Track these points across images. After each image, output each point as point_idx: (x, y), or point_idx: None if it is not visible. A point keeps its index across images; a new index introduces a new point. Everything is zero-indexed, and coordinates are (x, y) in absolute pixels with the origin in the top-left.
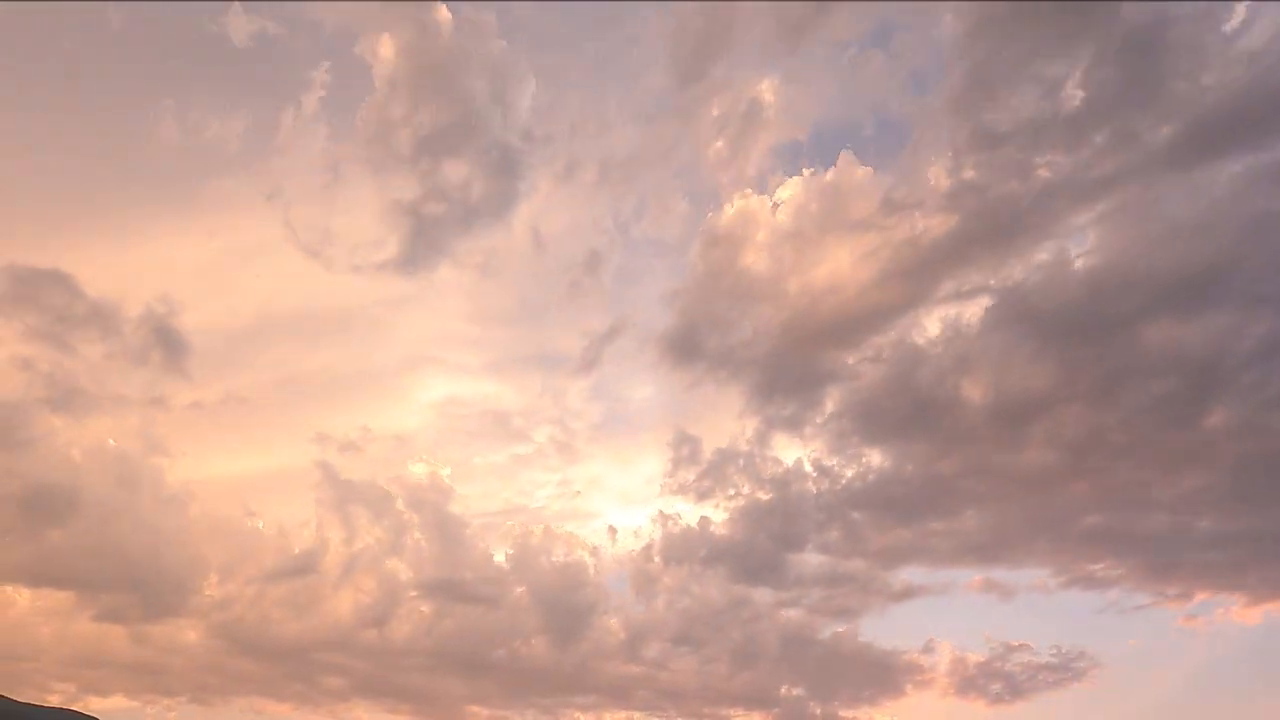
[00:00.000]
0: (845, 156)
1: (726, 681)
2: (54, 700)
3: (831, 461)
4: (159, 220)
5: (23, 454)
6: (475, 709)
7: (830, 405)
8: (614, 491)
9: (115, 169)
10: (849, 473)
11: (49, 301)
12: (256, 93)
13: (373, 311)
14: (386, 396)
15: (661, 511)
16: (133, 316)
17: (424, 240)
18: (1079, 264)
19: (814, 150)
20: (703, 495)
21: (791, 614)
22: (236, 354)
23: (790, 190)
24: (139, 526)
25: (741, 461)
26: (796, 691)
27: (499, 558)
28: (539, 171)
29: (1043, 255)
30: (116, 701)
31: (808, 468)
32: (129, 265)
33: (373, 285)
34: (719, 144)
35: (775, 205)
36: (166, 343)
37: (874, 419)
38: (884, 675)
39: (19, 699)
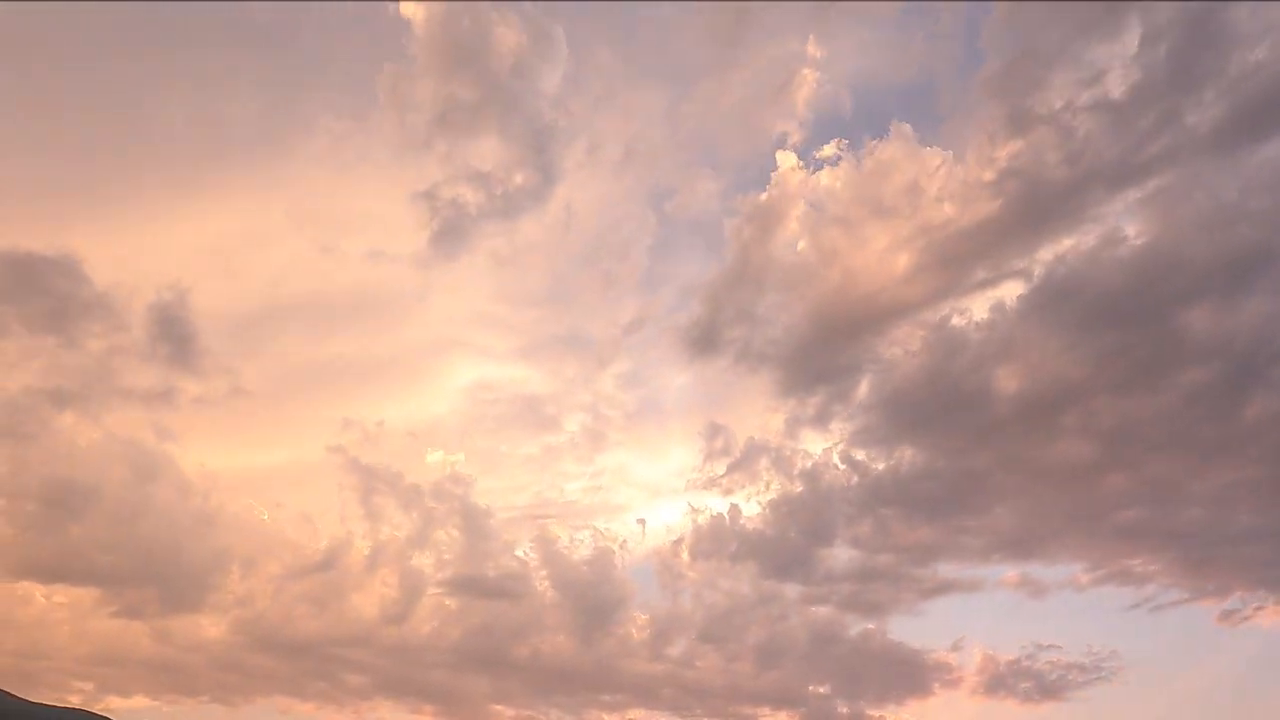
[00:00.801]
0: (896, 127)
1: (753, 680)
2: (74, 700)
3: (861, 455)
4: (170, 205)
5: (34, 448)
6: (499, 708)
7: (860, 397)
8: (644, 483)
9: (123, 152)
10: (880, 466)
11: (55, 289)
12: (275, 72)
13: (396, 294)
14: (412, 382)
15: (691, 505)
16: (141, 306)
17: (449, 220)
18: (1120, 249)
19: (852, 130)
20: (733, 488)
21: (820, 610)
22: (251, 342)
23: (829, 150)
24: (157, 521)
25: (773, 454)
26: (823, 690)
27: (520, 552)
28: (566, 147)
29: (1083, 240)
30: (138, 701)
31: (837, 461)
32: (139, 251)
33: (396, 268)
34: (750, 120)
35: (811, 174)
36: (176, 333)
37: (905, 411)
38: (912, 673)
39: (38, 700)
